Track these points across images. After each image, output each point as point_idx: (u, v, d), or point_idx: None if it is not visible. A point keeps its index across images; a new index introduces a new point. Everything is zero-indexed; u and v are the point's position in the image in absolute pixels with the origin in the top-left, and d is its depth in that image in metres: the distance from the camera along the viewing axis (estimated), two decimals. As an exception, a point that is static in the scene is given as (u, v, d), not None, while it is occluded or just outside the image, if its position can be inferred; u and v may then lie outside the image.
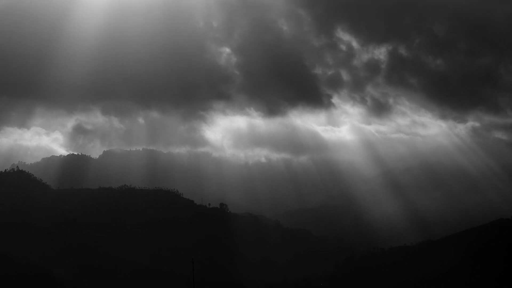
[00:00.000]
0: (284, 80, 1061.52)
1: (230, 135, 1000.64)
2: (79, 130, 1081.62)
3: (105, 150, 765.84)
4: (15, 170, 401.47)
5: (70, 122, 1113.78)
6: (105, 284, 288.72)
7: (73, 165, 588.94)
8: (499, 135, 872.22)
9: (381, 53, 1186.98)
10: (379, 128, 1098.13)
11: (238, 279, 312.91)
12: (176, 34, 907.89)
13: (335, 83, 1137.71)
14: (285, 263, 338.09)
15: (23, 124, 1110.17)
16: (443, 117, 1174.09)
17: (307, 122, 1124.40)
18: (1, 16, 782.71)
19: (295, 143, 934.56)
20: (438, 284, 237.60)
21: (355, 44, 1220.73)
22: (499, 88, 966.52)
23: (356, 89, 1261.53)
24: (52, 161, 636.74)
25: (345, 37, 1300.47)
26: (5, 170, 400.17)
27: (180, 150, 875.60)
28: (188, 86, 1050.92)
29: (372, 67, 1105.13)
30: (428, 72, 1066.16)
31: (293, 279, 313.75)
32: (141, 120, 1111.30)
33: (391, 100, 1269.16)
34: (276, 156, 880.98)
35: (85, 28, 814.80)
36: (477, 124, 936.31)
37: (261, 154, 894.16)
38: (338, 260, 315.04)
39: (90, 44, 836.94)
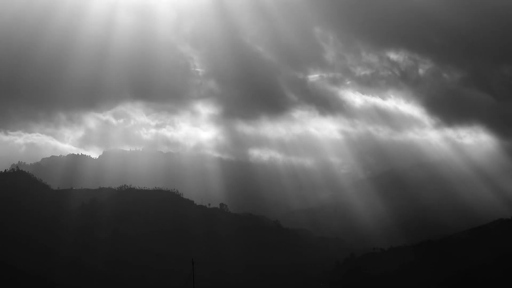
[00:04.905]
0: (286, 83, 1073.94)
1: (230, 135, 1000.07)
2: (79, 130, 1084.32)
3: (105, 150, 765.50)
4: (15, 170, 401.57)
5: (70, 123, 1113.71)
6: (105, 284, 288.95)
7: (73, 165, 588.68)
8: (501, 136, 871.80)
9: (382, 56, 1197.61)
10: (380, 128, 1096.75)
11: (238, 279, 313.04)
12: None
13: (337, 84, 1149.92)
14: (285, 263, 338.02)
15: (23, 124, 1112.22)
16: (446, 117, 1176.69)
17: (309, 123, 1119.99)
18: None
19: (296, 143, 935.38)
20: (438, 284, 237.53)
21: (360, 45, 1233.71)
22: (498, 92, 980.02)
23: (358, 89, 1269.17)
24: (52, 161, 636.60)
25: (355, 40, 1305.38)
26: (5, 170, 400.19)
27: (180, 150, 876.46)
28: (189, 86, 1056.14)
29: (376, 68, 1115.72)
30: (431, 73, 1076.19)
31: (293, 279, 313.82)
32: (141, 120, 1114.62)
33: (394, 101, 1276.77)
34: (277, 156, 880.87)
35: (88, 31, 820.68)
36: (478, 125, 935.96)
37: (262, 155, 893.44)
38: (338, 260, 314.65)
39: (89, 46, 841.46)
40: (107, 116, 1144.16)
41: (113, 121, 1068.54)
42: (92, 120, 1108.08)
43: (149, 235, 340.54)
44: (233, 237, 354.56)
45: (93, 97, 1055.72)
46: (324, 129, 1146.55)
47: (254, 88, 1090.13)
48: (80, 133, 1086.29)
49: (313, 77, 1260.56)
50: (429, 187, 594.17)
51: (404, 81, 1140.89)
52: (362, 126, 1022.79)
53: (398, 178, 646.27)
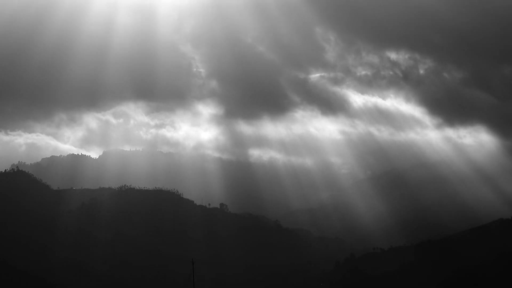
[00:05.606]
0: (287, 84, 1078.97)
1: (230, 135, 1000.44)
2: (79, 130, 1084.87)
3: (105, 150, 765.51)
4: (15, 170, 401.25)
5: (71, 122, 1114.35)
6: (105, 284, 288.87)
7: (73, 165, 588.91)
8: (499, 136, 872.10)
9: (382, 56, 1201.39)
10: (381, 128, 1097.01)
11: (238, 279, 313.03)
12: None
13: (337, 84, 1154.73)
14: (285, 263, 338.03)
15: (23, 124, 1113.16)
16: (446, 117, 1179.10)
17: (310, 123, 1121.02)
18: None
19: (296, 143, 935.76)
20: (438, 284, 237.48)
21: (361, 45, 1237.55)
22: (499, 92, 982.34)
23: (359, 89, 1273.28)
24: (52, 161, 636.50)
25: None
26: (5, 170, 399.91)
27: (180, 150, 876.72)
28: (191, 86, 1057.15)
29: (376, 68, 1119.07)
30: (432, 72, 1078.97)
31: (293, 279, 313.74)
32: (140, 120, 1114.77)
33: (395, 101, 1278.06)
34: (277, 156, 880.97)
35: (88, 31, 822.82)
36: (478, 125, 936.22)
37: (262, 155, 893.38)
38: (338, 260, 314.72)
39: (89, 46, 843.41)
40: (107, 116, 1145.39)
41: (113, 121, 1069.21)
42: (92, 120, 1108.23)
43: (149, 235, 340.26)
44: (233, 237, 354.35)
45: (93, 97, 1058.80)
46: (325, 129, 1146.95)
47: (255, 88, 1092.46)
48: (80, 133, 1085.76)
49: (314, 77, 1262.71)
50: (429, 187, 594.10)
51: (404, 81, 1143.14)
52: (363, 126, 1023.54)
53: (399, 178, 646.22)
